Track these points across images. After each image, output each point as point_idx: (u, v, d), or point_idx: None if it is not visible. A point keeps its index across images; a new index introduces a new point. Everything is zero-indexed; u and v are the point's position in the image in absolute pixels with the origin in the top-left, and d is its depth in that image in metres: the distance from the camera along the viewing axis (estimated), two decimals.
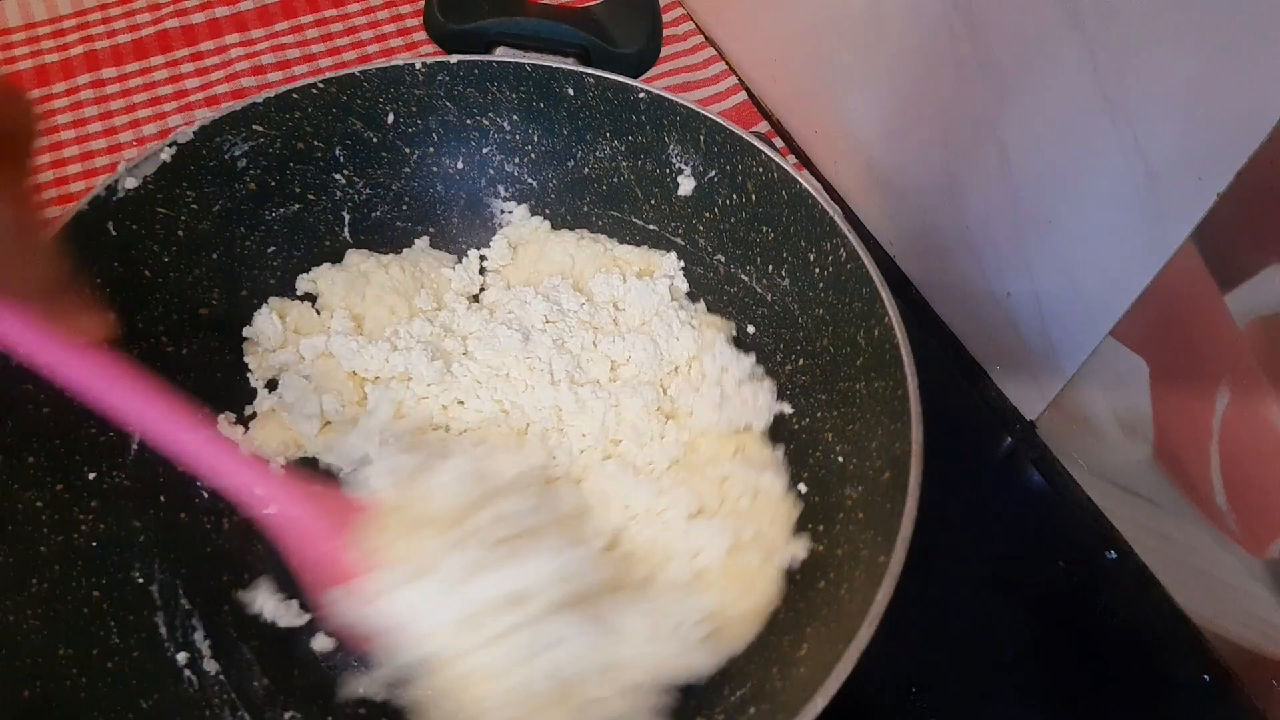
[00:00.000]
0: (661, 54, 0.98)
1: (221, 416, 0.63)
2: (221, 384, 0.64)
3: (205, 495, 0.60)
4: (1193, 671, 0.63)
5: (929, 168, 0.75)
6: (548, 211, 0.73)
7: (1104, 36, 0.55)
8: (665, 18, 1.01)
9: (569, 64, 0.66)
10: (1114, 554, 0.68)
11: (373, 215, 0.70)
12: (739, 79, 0.97)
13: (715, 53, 0.99)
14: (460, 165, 0.71)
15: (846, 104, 0.83)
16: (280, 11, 1.01)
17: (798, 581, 0.56)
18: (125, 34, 0.98)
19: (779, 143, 0.91)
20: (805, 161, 0.91)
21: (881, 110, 0.79)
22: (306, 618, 0.57)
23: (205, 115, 0.62)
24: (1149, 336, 0.61)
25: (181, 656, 0.54)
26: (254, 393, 0.65)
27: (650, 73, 0.96)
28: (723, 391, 0.63)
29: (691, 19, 1.02)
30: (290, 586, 0.57)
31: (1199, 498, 0.60)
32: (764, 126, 0.93)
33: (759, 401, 0.63)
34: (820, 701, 0.43)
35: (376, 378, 0.64)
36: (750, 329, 0.67)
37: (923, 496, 0.48)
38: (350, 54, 0.98)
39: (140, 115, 0.92)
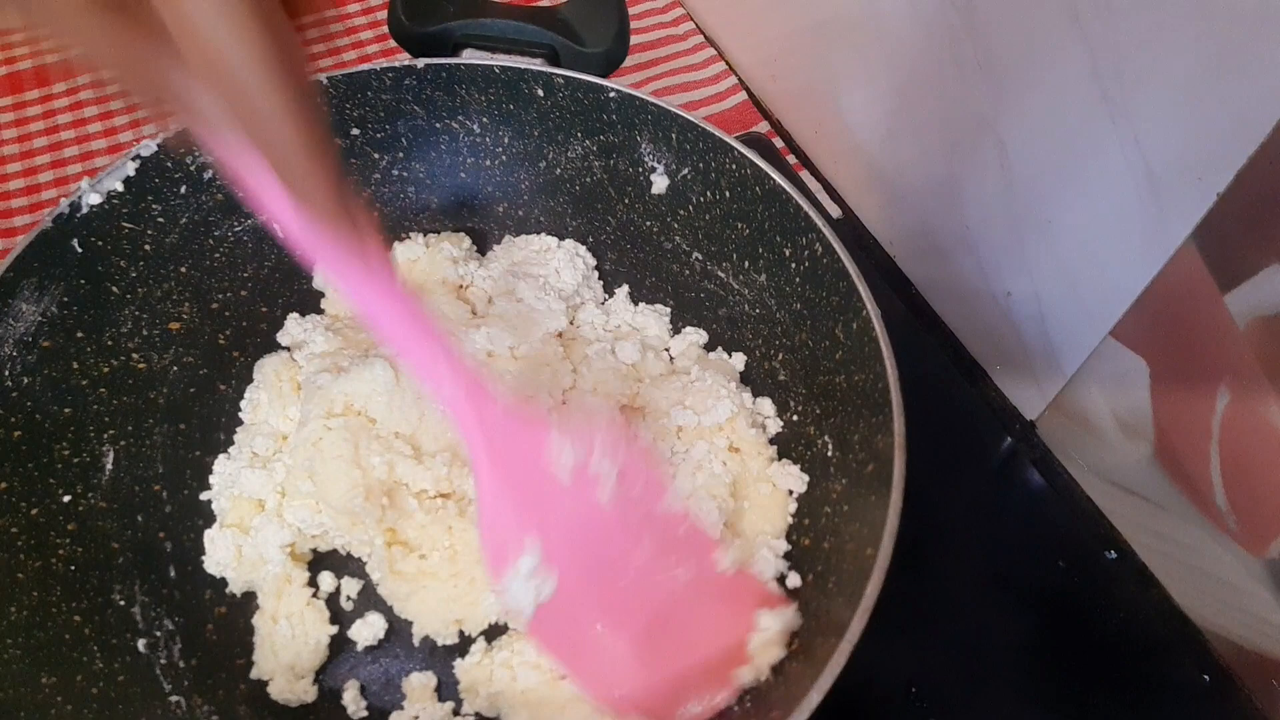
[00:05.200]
0: (661, 54, 0.98)
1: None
2: (195, 398, 0.63)
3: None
4: (1193, 671, 0.63)
5: (929, 168, 0.75)
6: (520, 214, 0.73)
7: (1104, 36, 0.55)
8: (665, 18, 1.02)
9: (537, 65, 0.66)
10: (1114, 554, 0.67)
11: None
12: (739, 79, 0.97)
13: (715, 53, 0.99)
14: (431, 169, 0.71)
15: (846, 104, 0.83)
16: None
17: (784, 576, 0.56)
18: None
19: (779, 143, 0.91)
20: (805, 161, 0.91)
21: (881, 110, 0.79)
22: None
23: (173, 126, 0.61)
24: (1149, 336, 0.61)
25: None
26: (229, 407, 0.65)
27: (650, 73, 0.97)
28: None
29: (691, 19, 1.02)
30: None
31: (1199, 498, 0.60)
32: (764, 126, 0.93)
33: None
34: (815, 696, 0.43)
35: None
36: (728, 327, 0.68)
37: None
38: (350, 54, 0.98)
39: (140, 115, 0.92)
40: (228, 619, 0.57)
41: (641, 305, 0.70)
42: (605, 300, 0.71)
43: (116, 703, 0.50)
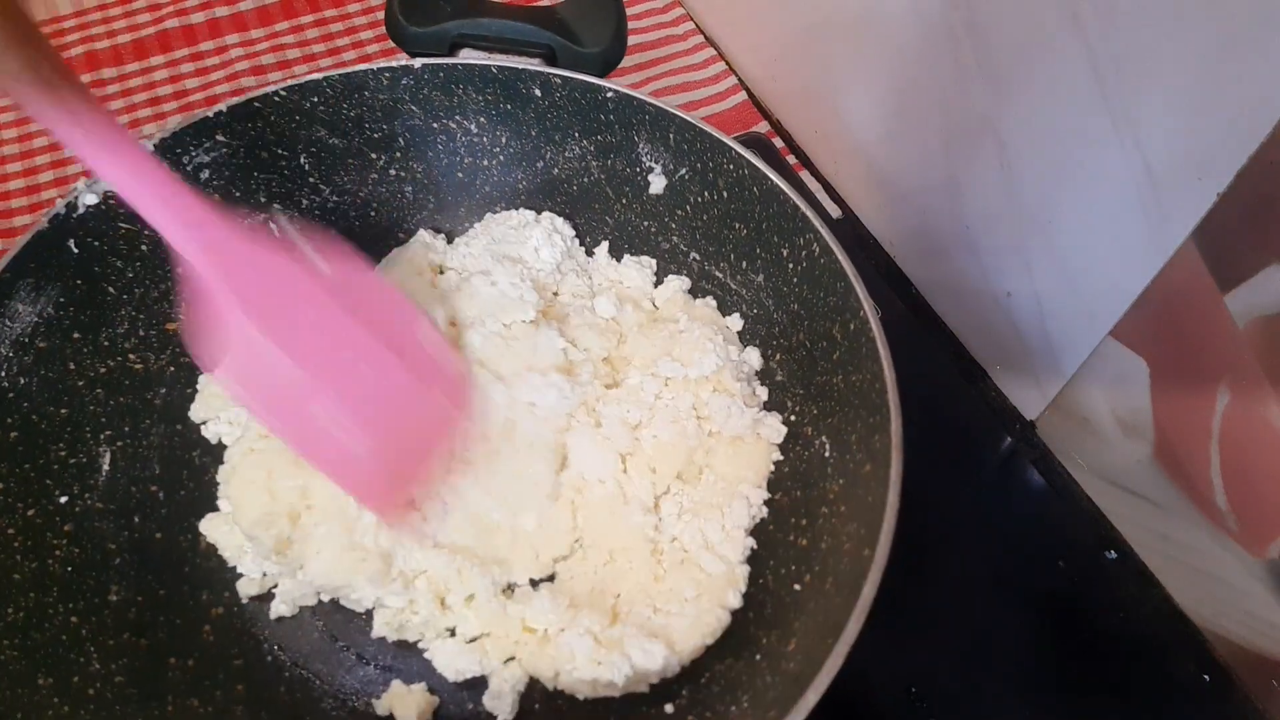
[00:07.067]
0: (661, 54, 0.98)
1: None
2: (191, 399, 0.63)
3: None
4: (1193, 671, 0.63)
5: (929, 168, 0.75)
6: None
7: (1104, 36, 0.54)
8: (665, 17, 1.02)
9: (535, 65, 0.66)
10: (1114, 554, 0.67)
11: (340, 224, 0.70)
12: (739, 79, 0.97)
13: (715, 53, 0.99)
14: (428, 169, 0.71)
15: (846, 104, 0.83)
16: (280, 11, 1.01)
17: (781, 576, 0.56)
18: (125, 34, 0.98)
19: (779, 143, 0.91)
20: (805, 161, 0.91)
21: (881, 110, 0.79)
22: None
23: (168, 126, 0.61)
24: (1149, 336, 0.60)
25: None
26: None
27: (649, 73, 0.97)
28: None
29: (691, 19, 1.02)
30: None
31: (1199, 498, 0.60)
32: (764, 126, 0.93)
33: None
34: (812, 697, 0.43)
35: None
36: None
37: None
38: (350, 54, 0.98)
39: (140, 115, 0.92)
40: (224, 620, 0.57)
41: (626, 258, 0.70)
42: (587, 263, 0.71)
43: (114, 704, 0.50)
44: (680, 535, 0.58)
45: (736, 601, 0.56)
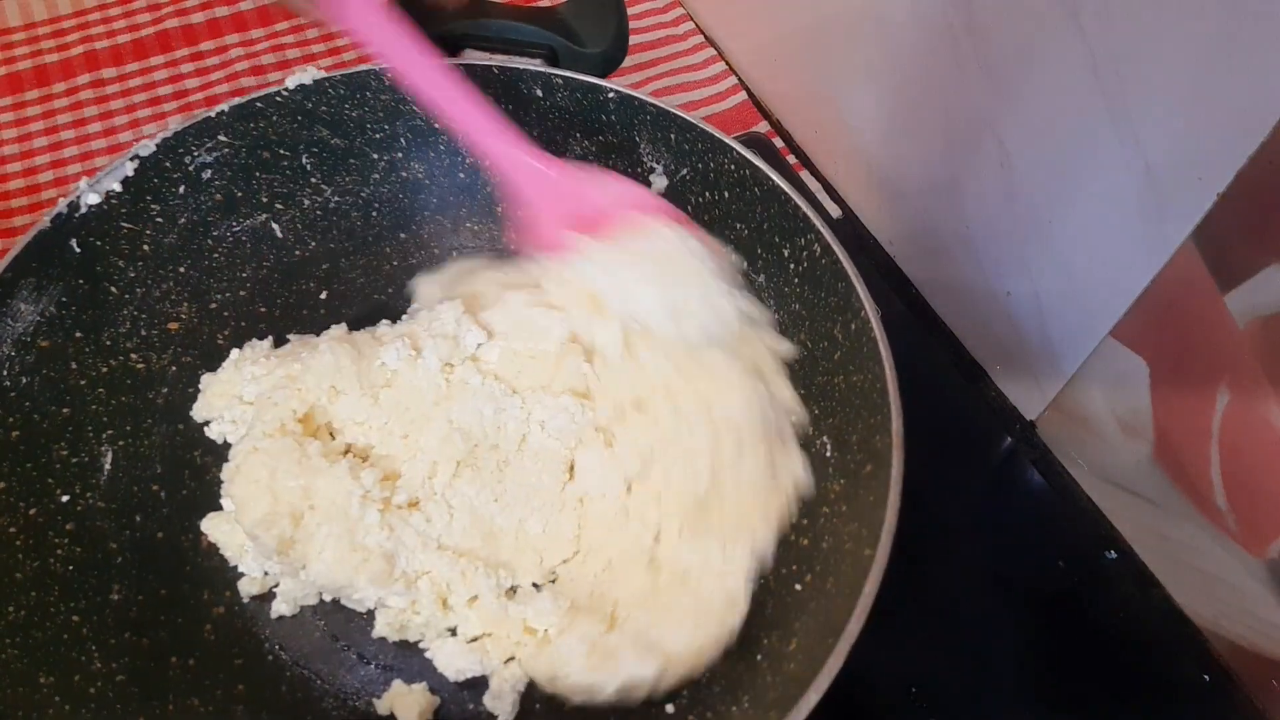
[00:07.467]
0: (661, 54, 0.98)
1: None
2: (193, 399, 0.63)
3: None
4: (1193, 671, 0.63)
5: (929, 168, 0.75)
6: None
7: (1104, 36, 0.54)
8: (665, 17, 1.02)
9: (536, 65, 0.66)
10: (1114, 554, 0.67)
11: (341, 224, 0.70)
12: (739, 79, 0.97)
13: (715, 53, 0.99)
14: (430, 169, 0.71)
15: (846, 104, 0.83)
16: (280, 11, 1.01)
17: (782, 576, 0.56)
18: (125, 34, 0.98)
19: (779, 143, 0.91)
20: (805, 161, 0.91)
21: (881, 110, 0.79)
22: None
23: (170, 126, 0.62)
24: (1149, 336, 0.61)
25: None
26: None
27: (649, 73, 0.97)
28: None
29: (691, 19, 1.02)
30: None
31: (1199, 498, 0.60)
32: (764, 126, 0.93)
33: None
34: (813, 697, 0.43)
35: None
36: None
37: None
38: (350, 54, 0.98)
39: (140, 115, 0.92)
40: (226, 619, 0.57)
41: None
42: None
43: (115, 703, 0.50)
44: (680, 555, 0.56)
45: (736, 622, 0.54)
